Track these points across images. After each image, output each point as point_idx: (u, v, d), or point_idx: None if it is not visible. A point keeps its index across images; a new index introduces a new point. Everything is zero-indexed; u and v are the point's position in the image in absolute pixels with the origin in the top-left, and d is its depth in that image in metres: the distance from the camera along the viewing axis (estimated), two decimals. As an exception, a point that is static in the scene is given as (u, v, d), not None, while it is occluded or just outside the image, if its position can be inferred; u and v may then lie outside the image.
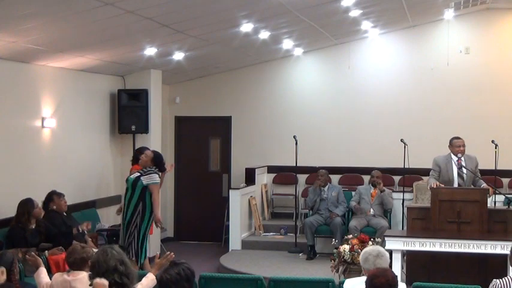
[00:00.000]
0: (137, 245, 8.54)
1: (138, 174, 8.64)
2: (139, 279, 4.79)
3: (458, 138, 8.51)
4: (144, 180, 8.56)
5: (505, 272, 6.94)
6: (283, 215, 12.24)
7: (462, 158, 8.45)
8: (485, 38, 11.81)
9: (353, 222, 10.04)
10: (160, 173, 8.76)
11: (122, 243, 8.59)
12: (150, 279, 4.69)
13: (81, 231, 8.36)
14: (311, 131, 12.11)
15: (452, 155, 8.50)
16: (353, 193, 10.63)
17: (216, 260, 10.36)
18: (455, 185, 8.43)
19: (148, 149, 9.49)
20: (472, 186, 8.44)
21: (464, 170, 8.38)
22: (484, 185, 8.39)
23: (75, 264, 5.11)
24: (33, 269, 5.55)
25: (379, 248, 5.06)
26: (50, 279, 5.35)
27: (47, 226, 8.13)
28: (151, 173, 8.60)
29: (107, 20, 7.18)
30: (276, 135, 12.31)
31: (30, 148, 8.77)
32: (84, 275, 4.94)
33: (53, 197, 8.48)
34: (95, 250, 6.04)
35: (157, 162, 8.76)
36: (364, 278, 4.60)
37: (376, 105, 12.05)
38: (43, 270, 5.39)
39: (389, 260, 5.01)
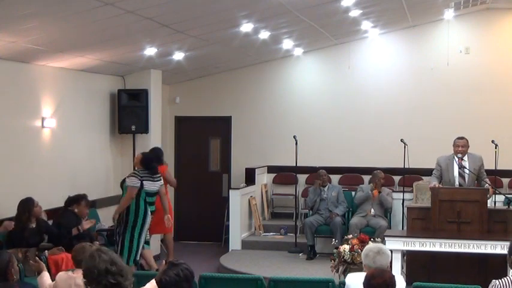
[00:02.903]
0: (121, 246, 8.52)
1: (127, 176, 8.72)
2: (148, 280, 4.76)
3: (460, 138, 8.50)
4: (127, 181, 8.65)
5: (505, 272, 6.93)
6: (283, 215, 12.24)
7: (464, 158, 8.43)
8: (485, 38, 11.81)
9: (354, 220, 10.06)
10: (143, 176, 8.67)
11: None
12: (152, 285, 4.67)
13: (81, 231, 8.36)
14: (311, 131, 12.11)
15: (454, 155, 8.50)
16: (353, 193, 10.64)
17: (216, 260, 10.36)
18: (456, 185, 8.42)
19: (159, 149, 9.79)
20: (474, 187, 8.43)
21: (466, 170, 8.37)
22: (485, 185, 8.38)
23: (80, 262, 5.12)
24: (32, 270, 5.61)
25: (380, 245, 5.14)
26: (51, 279, 5.42)
27: (48, 226, 8.13)
28: (132, 176, 8.64)
29: (107, 20, 7.18)
30: (276, 135, 12.31)
31: (30, 148, 8.76)
32: None
33: (81, 201, 8.59)
34: None
35: (146, 164, 8.73)
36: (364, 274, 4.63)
37: (376, 105, 12.05)
38: (46, 274, 5.51)
39: (390, 258, 5.04)
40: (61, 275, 5.30)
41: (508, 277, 4.77)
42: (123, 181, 8.91)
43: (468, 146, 8.50)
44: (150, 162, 8.79)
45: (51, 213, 8.67)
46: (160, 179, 8.91)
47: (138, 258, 8.65)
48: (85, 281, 4.08)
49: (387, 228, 9.93)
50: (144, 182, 8.59)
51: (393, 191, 10.75)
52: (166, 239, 10.03)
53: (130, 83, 10.92)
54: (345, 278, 6.99)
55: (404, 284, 5.14)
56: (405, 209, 9.18)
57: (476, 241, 7.62)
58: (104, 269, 3.99)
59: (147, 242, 8.91)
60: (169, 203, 9.32)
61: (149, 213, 8.68)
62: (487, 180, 8.49)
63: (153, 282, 4.70)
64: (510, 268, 5.14)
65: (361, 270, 5.16)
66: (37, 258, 6.02)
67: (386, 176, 10.88)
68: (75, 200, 8.61)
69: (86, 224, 8.47)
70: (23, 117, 8.65)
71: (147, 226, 8.69)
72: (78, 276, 5.08)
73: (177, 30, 8.29)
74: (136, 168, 8.89)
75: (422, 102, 11.91)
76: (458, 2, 10.75)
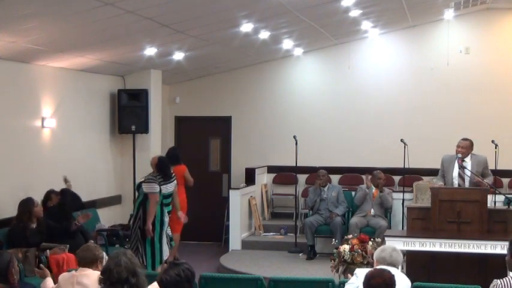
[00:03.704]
0: (144, 250, 8.54)
1: (143, 179, 8.71)
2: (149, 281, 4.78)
3: (463, 139, 8.47)
4: (145, 187, 8.59)
5: (505, 272, 6.90)
6: (283, 215, 12.24)
7: (466, 159, 8.41)
8: (485, 38, 11.81)
9: (354, 220, 10.07)
10: (160, 181, 8.66)
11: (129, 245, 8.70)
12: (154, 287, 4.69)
13: (79, 224, 8.37)
14: (311, 131, 12.11)
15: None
16: (353, 193, 10.63)
17: (216, 260, 10.36)
18: (455, 185, 8.42)
19: (175, 149, 10.07)
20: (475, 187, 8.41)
21: (467, 172, 8.35)
22: (486, 180, 8.34)
23: (84, 261, 5.17)
24: (31, 269, 5.65)
25: (395, 245, 5.48)
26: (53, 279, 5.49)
27: (48, 224, 8.12)
28: (151, 182, 8.59)
29: (107, 20, 7.18)
30: (276, 135, 12.31)
31: (30, 148, 8.76)
32: (91, 272, 5.01)
33: (51, 195, 8.51)
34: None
35: (160, 169, 8.74)
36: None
37: (376, 105, 12.05)
38: (49, 279, 5.54)
39: (403, 259, 5.20)
40: (64, 275, 5.35)
41: (509, 277, 4.77)
42: (139, 185, 8.76)
43: (471, 148, 8.46)
44: (165, 167, 8.79)
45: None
46: (175, 180, 8.96)
47: (164, 258, 8.65)
48: (101, 278, 4.11)
49: (387, 228, 9.93)
50: (161, 186, 8.62)
51: (393, 191, 10.75)
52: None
53: (131, 83, 10.92)
54: (345, 278, 7.02)
55: (409, 283, 5.17)
56: (405, 209, 9.17)
57: (476, 241, 7.61)
58: (125, 278, 4.02)
59: (171, 239, 8.95)
60: (185, 202, 9.89)
61: (166, 214, 8.73)
62: (488, 180, 8.43)
63: (154, 284, 4.70)
64: (510, 271, 5.13)
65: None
66: (41, 265, 6.03)
67: (387, 176, 10.88)
68: (46, 198, 8.48)
69: (82, 218, 8.49)
70: (23, 117, 8.65)
71: (165, 227, 8.71)
72: (80, 274, 5.11)
73: (177, 30, 8.29)
74: (154, 172, 8.80)
75: (422, 102, 11.91)
76: (458, 2, 10.75)
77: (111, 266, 4.07)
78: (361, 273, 5.09)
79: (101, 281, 4.11)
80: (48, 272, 5.67)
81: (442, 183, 8.46)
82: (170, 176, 8.85)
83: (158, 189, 8.55)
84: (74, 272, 5.23)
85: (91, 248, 5.26)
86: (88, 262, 5.15)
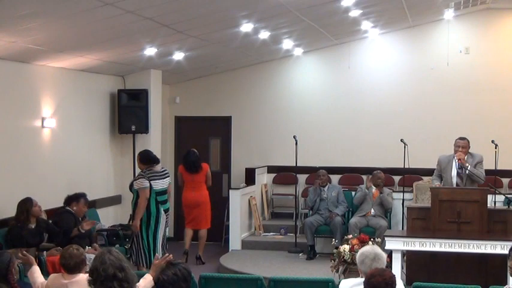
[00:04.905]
0: (139, 250, 8.54)
1: (134, 178, 8.70)
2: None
3: (460, 138, 8.49)
4: (135, 185, 8.57)
5: (505, 273, 6.93)
6: (283, 215, 12.24)
7: (464, 158, 8.42)
8: (485, 38, 11.81)
9: (354, 220, 10.07)
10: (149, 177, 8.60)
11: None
12: (147, 280, 4.68)
13: (82, 231, 8.34)
14: (311, 131, 12.11)
15: (454, 154, 8.51)
16: (353, 193, 10.63)
17: (216, 260, 10.37)
18: (454, 185, 8.43)
19: (191, 155, 10.63)
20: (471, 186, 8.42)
21: (467, 171, 8.36)
22: (481, 170, 8.33)
23: (71, 268, 5.06)
24: (26, 267, 5.53)
25: (376, 249, 4.93)
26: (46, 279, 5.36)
27: (48, 225, 8.11)
28: (140, 178, 8.57)
29: (107, 20, 7.18)
30: (276, 135, 12.31)
31: (30, 148, 8.77)
32: (81, 277, 4.92)
33: (80, 199, 8.52)
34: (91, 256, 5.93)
35: (146, 160, 8.69)
36: (360, 280, 4.62)
37: (376, 105, 12.05)
38: (36, 269, 5.35)
39: (385, 263, 4.94)
40: (52, 278, 5.20)
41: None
42: (131, 185, 8.73)
43: (469, 147, 8.49)
44: (148, 156, 8.72)
45: (51, 213, 8.66)
46: (168, 176, 8.89)
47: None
48: (90, 279, 4.09)
49: (387, 228, 9.93)
50: (151, 182, 8.54)
51: (393, 191, 10.75)
52: (198, 235, 10.52)
53: (131, 83, 10.93)
54: (344, 278, 7.01)
55: (401, 282, 5.14)
56: (405, 209, 9.18)
57: (476, 241, 7.61)
58: (112, 274, 4.00)
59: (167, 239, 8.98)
60: (207, 197, 10.53)
61: (162, 212, 8.64)
62: (476, 173, 8.36)
63: (148, 277, 4.70)
64: (510, 276, 5.12)
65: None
66: (24, 251, 5.88)
67: (386, 176, 10.88)
68: (74, 198, 8.55)
69: (87, 225, 8.43)
70: (23, 117, 8.65)
71: (162, 226, 8.64)
72: (70, 282, 5.00)
73: (177, 30, 8.29)
74: (141, 170, 8.74)
75: (422, 102, 11.91)
76: (458, 2, 10.75)
77: (97, 266, 4.06)
78: (344, 285, 5.00)
79: (90, 282, 4.09)
80: (33, 259, 5.52)
81: (438, 183, 8.48)
82: (157, 161, 8.75)
83: (147, 185, 8.47)
84: (62, 280, 5.06)
85: (73, 254, 5.08)
86: (72, 268, 5.03)
